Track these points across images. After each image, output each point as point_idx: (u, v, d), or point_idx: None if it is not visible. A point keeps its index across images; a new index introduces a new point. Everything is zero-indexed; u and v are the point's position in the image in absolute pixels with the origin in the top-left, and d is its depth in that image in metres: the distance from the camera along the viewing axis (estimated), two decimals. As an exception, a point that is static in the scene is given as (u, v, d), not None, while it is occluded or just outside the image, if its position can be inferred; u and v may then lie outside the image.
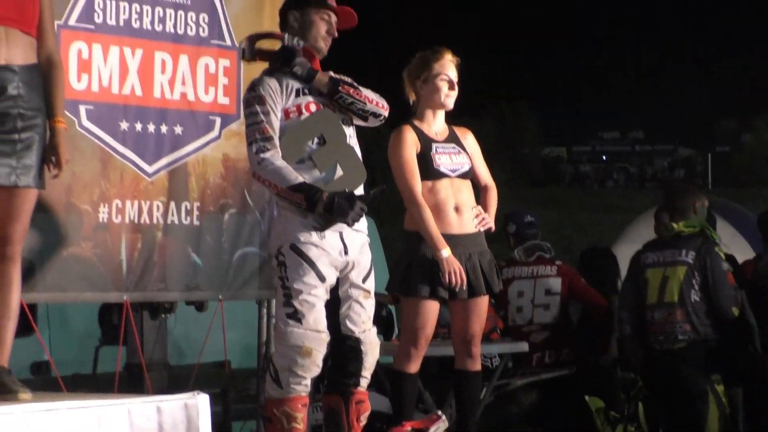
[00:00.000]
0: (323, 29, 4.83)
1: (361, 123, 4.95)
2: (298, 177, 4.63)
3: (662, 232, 7.36)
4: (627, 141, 55.97)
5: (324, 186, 4.66)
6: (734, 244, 10.38)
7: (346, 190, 4.67)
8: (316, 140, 4.74)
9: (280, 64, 4.78)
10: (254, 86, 4.81)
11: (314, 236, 4.67)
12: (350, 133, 4.88)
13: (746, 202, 17.90)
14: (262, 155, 4.68)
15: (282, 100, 4.76)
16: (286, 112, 4.75)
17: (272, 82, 4.78)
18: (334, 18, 4.86)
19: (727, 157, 46.92)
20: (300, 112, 4.76)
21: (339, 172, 4.74)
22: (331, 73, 4.85)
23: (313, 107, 4.77)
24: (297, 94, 4.78)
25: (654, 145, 54.40)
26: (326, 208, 4.60)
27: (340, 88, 4.81)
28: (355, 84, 4.88)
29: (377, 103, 4.91)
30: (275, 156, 4.68)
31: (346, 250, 4.73)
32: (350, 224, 4.67)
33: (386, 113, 4.98)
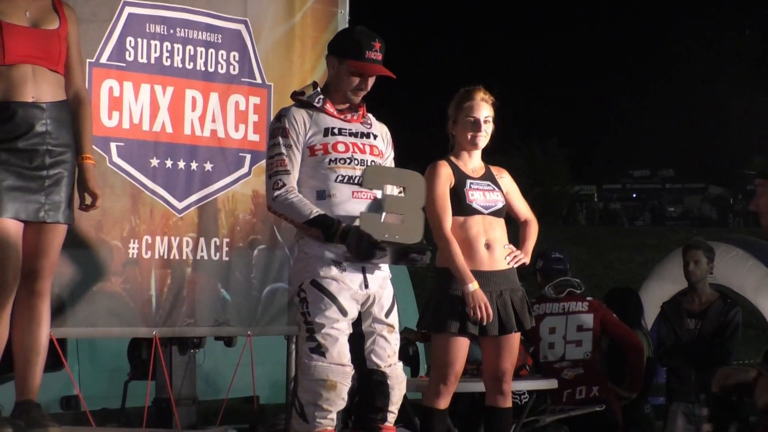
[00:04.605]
0: (354, 83, 4.73)
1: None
2: (313, 210, 4.58)
3: (692, 270, 7.31)
4: (657, 179, 55.83)
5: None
6: (765, 284, 10.30)
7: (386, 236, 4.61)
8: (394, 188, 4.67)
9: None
10: (280, 117, 4.75)
11: (334, 271, 4.63)
12: None
13: (778, 240, 17.73)
14: (277, 192, 4.63)
15: (307, 134, 4.71)
16: (312, 149, 4.71)
17: (299, 115, 4.72)
18: (369, 72, 4.73)
19: (759, 195, 46.59)
20: (327, 151, 4.71)
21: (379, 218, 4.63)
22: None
23: (341, 147, 4.73)
24: (326, 133, 4.73)
25: (684, 183, 54.22)
26: (341, 239, 4.56)
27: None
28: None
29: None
30: (290, 190, 4.63)
31: (366, 284, 4.69)
32: (354, 260, 4.61)
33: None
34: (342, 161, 4.67)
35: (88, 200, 4.60)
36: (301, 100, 4.76)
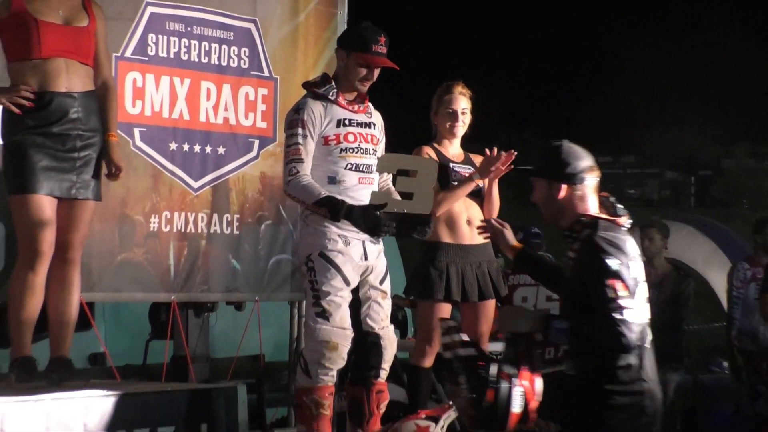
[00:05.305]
0: (362, 73, 4.71)
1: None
2: (321, 192, 4.58)
3: (647, 246, 7.36)
4: (619, 165, 55.83)
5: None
6: (715, 258, 10.36)
7: (396, 210, 4.60)
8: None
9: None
10: (299, 109, 4.70)
11: (340, 244, 4.65)
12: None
13: (727, 220, 17.79)
14: (290, 177, 4.63)
15: (322, 125, 4.68)
16: (326, 139, 4.68)
17: (317, 107, 4.69)
18: (376, 64, 4.70)
19: (710, 180, 46.71)
20: (339, 141, 4.69)
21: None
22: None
23: (351, 137, 4.72)
24: (338, 124, 4.70)
25: (643, 168, 54.25)
26: (346, 218, 4.58)
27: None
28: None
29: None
30: (302, 176, 4.61)
31: (366, 256, 4.72)
32: (363, 230, 4.60)
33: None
34: (351, 150, 4.67)
35: (113, 171, 4.60)
36: (316, 92, 4.72)
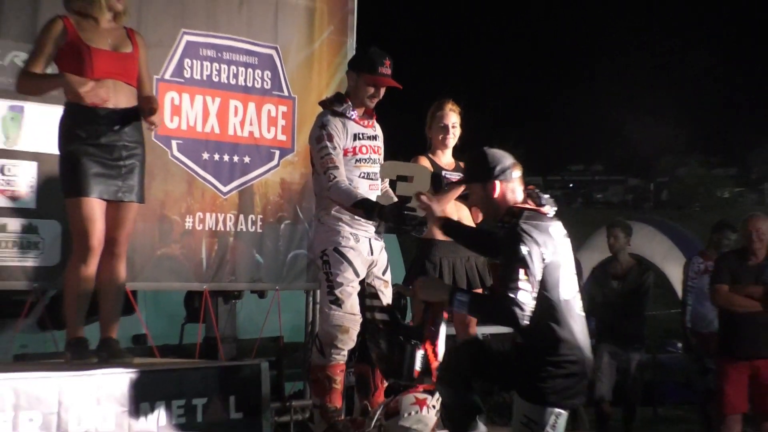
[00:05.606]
0: (370, 92, 4.69)
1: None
2: (357, 195, 4.53)
3: (613, 243, 7.37)
4: (589, 172, 55.91)
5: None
6: (671, 253, 10.39)
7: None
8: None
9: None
10: (324, 125, 4.65)
11: (352, 241, 4.65)
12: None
13: (681, 221, 17.81)
14: (330, 183, 4.58)
15: (344, 137, 4.68)
16: (345, 151, 4.66)
17: (338, 123, 4.66)
18: (382, 84, 4.69)
19: (666, 185, 46.77)
20: (354, 153, 4.68)
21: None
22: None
23: (363, 150, 4.71)
24: (354, 138, 4.69)
25: (609, 175, 54.34)
26: (379, 216, 4.56)
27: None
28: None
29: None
30: (340, 182, 4.57)
31: (372, 251, 4.73)
32: (393, 225, 4.58)
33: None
34: (364, 161, 4.67)
35: (153, 107, 4.45)
36: (335, 110, 4.70)
